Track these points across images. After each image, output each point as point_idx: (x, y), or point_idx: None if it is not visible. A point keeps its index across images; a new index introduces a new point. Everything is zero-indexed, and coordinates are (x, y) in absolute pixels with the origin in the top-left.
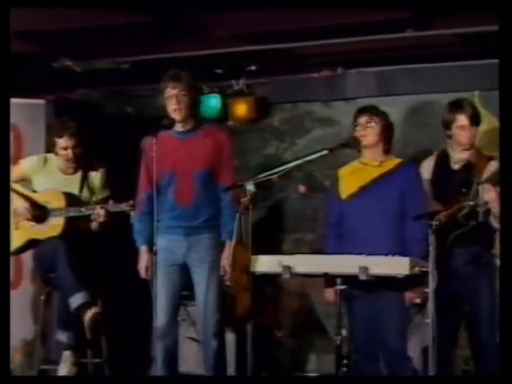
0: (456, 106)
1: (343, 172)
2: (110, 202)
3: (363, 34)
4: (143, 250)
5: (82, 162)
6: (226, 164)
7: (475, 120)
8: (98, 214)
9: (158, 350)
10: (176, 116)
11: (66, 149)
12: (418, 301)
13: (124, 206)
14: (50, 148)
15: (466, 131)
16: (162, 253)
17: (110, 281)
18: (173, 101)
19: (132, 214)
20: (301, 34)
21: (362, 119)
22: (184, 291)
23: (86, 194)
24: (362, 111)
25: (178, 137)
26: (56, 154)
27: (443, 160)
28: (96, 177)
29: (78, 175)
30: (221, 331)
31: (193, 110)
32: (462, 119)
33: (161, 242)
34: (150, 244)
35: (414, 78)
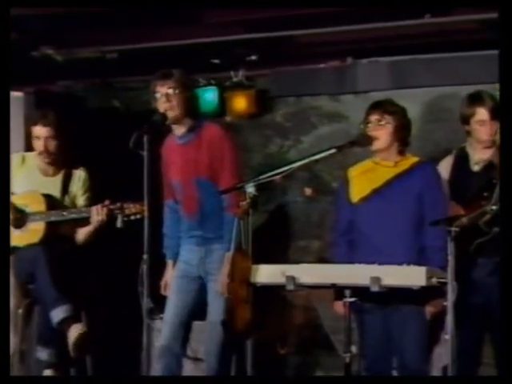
0: (475, 99)
1: (354, 172)
2: (106, 202)
3: (376, 20)
4: (169, 264)
5: (62, 162)
6: (227, 165)
7: (497, 114)
8: (98, 211)
9: (157, 371)
10: (168, 115)
11: (38, 138)
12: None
13: (112, 208)
14: (28, 141)
15: (487, 126)
16: (180, 264)
17: (95, 292)
18: (163, 99)
19: (119, 217)
20: (306, 20)
21: (373, 117)
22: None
23: (67, 197)
24: (374, 107)
25: (178, 142)
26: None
27: (462, 160)
28: (79, 179)
29: (60, 177)
30: (229, 351)
31: (187, 109)
32: (482, 113)
33: (182, 252)
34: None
35: (432, 68)
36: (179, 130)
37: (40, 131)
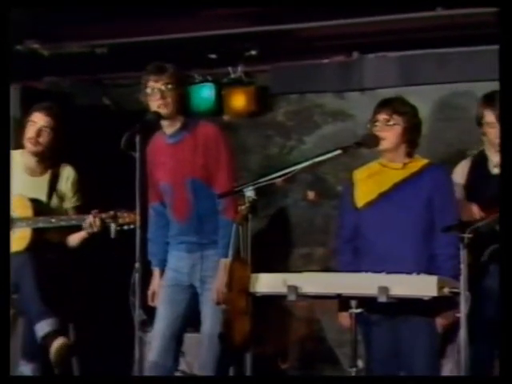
0: (485, 100)
1: (359, 175)
2: (93, 212)
3: (384, 13)
4: (155, 272)
5: (50, 161)
6: (222, 166)
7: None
8: (92, 223)
9: None
10: (161, 112)
11: (34, 123)
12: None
13: (104, 218)
14: (16, 138)
15: (496, 129)
16: (169, 272)
17: (84, 304)
18: (157, 95)
19: (112, 226)
20: (309, 12)
21: (381, 116)
22: (192, 318)
23: (55, 200)
24: (382, 105)
25: (168, 141)
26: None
27: (481, 163)
28: (68, 179)
29: (47, 177)
30: (226, 365)
31: (180, 106)
32: (490, 115)
33: (170, 259)
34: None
35: (444, 64)
36: (170, 129)
37: (39, 117)
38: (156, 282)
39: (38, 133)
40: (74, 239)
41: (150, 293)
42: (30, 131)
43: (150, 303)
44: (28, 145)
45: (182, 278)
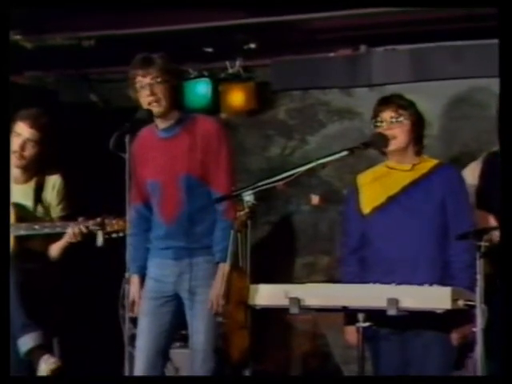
0: None
1: (364, 179)
2: (80, 219)
3: (393, 3)
4: (134, 279)
5: (35, 168)
6: (219, 163)
7: None
8: (74, 232)
9: None
10: (153, 110)
11: (18, 136)
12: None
13: (90, 225)
14: None
15: None
16: (150, 281)
17: (70, 317)
18: (146, 91)
19: (99, 234)
20: (313, 2)
21: (387, 114)
22: (178, 331)
23: (40, 210)
24: (384, 103)
25: (160, 136)
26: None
27: (494, 164)
28: (54, 187)
29: (32, 184)
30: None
31: (174, 100)
32: None
33: (150, 268)
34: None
35: (460, 57)
36: (164, 123)
37: (23, 129)
38: (136, 290)
39: (23, 146)
40: (54, 249)
41: (129, 302)
42: (14, 144)
43: (130, 314)
44: (13, 158)
45: (166, 289)
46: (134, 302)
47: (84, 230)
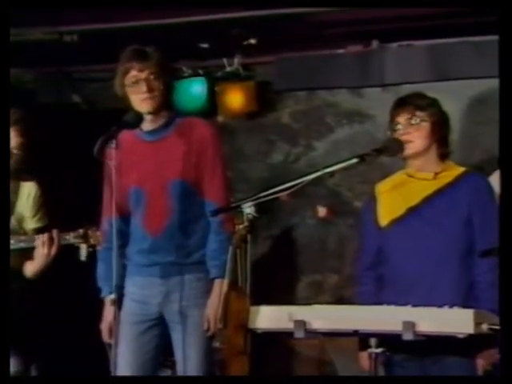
0: None
1: (383, 188)
2: (54, 231)
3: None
4: (108, 301)
5: (11, 174)
6: (214, 172)
7: None
8: (43, 242)
9: None
10: (147, 108)
11: None
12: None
13: (71, 238)
14: None
15: None
16: (130, 303)
17: (50, 341)
18: (142, 88)
19: (82, 247)
20: None
21: (402, 117)
22: (163, 357)
23: (14, 220)
24: (400, 104)
25: (146, 138)
26: None
27: None
28: (28, 196)
29: None
30: None
31: (166, 99)
32: None
33: (129, 287)
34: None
35: (482, 54)
36: (151, 125)
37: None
38: (111, 314)
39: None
40: (29, 268)
41: (104, 328)
42: None
43: (106, 340)
44: None
45: (150, 311)
46: (110, 328)
47: (48, 242)
